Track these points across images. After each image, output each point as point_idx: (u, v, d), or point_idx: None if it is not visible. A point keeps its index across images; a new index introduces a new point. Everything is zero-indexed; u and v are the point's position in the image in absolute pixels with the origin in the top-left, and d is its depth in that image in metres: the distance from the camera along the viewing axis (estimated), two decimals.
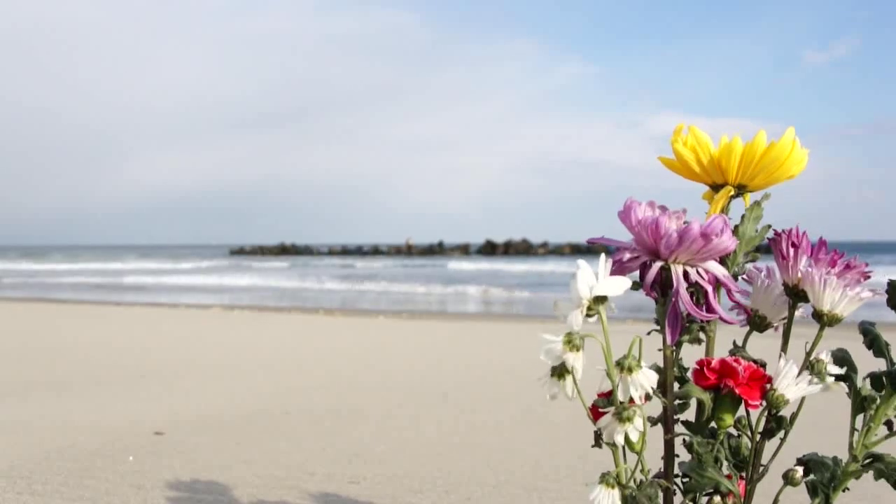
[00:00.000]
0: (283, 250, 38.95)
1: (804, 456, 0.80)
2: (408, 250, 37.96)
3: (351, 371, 3.32)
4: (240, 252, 39.49)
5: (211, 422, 2.20)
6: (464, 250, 36.99)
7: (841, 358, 0.78)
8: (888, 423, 0.76)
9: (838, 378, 0.77)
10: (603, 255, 0.69)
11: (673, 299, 0.70)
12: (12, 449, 1.84)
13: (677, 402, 0.76)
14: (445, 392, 2.73)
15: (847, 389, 0.78)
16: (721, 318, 0.72)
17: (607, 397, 0.73)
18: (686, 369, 0.78)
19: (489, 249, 36.21)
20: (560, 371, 0.71)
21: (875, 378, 0.74)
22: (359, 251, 39.12)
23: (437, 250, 37.47)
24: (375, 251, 38.68)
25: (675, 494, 0.77)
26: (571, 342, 0.69)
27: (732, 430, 0.78)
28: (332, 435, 2.07)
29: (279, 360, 3.67)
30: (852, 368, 0.78)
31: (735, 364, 0.73)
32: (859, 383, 0.77)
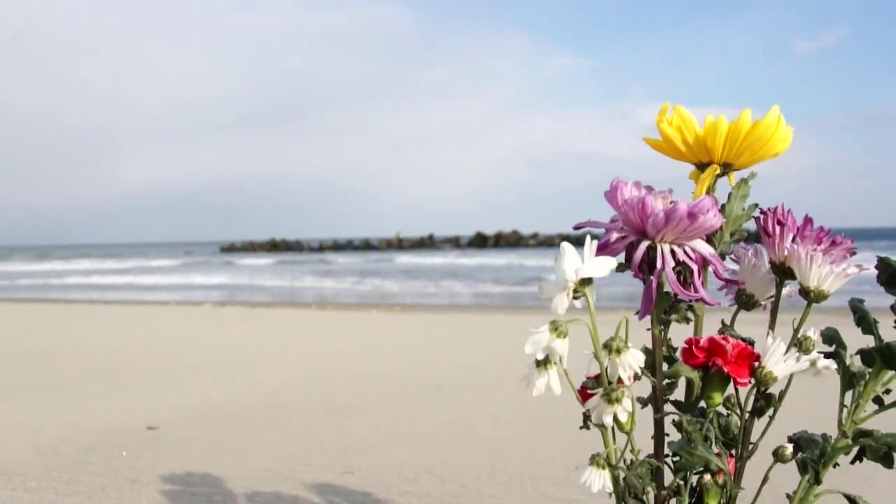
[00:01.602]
0: (274, 246, 38.79)
1: (795, 434, 0.80)
2: (398, 244, 37.89)
3: (344, 364, 3.32)
4: (230, 249, 39.31)
5: (205, 416, 2.20)
6: (454, 243, 36.94)
7: (830, 336, 0.79)
8: (878, 400, 0.76)
9: (827, 355, 0.78)
10: (588, 237, 0.69)
11: (652, 277, 0.70)
12: (6, 446, 1.84)
13: (666, 381, 0.76)
14: (440, 383, 2.74)
15: (836, 368, 0.79)
16: (703, 299, 0.72)
17: (597, 380, 0.73)
18: (675, 349, 0.79)
19: (479, 241, 36.16)
20: (545, 362, 0.70)
21: (865, 354, 0.75)
22: (349, 245, 38.99)
23: (427, 243, 37.42)
24: (366, 245, 38.56)
25: (665, 474, 0.77)
26: (558, 329, 0.68)
27: (722, 409, 0.79)
28: (327, 427, 2.08)
29: (272, 355, 3.67)
30: (841, 346, 0.78)
31: (723, 342, 0.74)
32: (848, 360, 0.78)
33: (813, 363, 0.78)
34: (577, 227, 0.74)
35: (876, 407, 0.77)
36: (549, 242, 34.39)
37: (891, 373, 0.76)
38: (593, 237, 0.70)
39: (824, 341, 0.79)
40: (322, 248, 38.17)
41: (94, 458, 1.74)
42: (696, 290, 0.72)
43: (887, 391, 0.76)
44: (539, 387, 0.70)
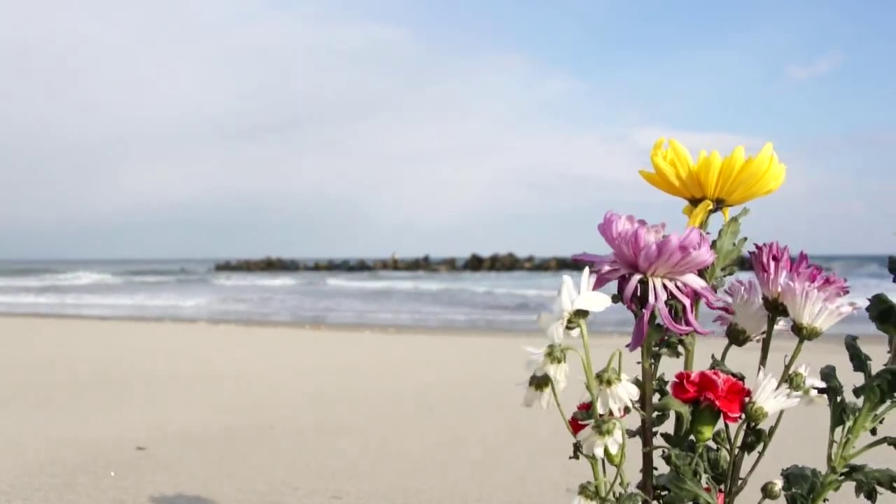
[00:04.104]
0: (269, 265, 38.74)
1: (787, 469, 0.80)
2: (393, 265, 37.88)
3: (336, 385, 3.31)
4: (225, 267, 39.22)
5: (194, 436, 2.19)
6: (450, 265, 36.90)
7: (827, 374, 0.79)
8: (872, 431, 0.76)
9: (821, 391, 0.78)
10: (587, 270, 0.70)
11: (644, 311, 0.71)
12: None
13: (655, 414, 0.76)
14: (430, 406, 2.73)
15: (828, 403, 0.79)
16: (696, 331, 0.73)
17: (587, 409, 0.73)
18: (665, 382, 0.79)
19: (475, 264, 36.13)
20: (540, 383, 0.71)
21: (866, 388, 0.75)
22: (345, 265, 39.00)
23: (422, 265, 37.39)
24: (362, 265, 38.56)
25: None
26: (552, 354, 0.70)
27: (711, 444, 0.79)
28: (316, 449, 2.07)
29: (264, 375, 3.66)
30: (835, 382, 0.78)
31: (714, 377, 0.74)
32: (839, 398, 0.78)
33: (806, 391, 0.78)
34: (575, 260, 0.75)
35: (865, 443, 0.77)
36: (544, 266, 34.37)
37: (882, 407, 0.76)
38: (592, 270, 0.71)
39: (823, 379, 0.79)
40: (318, 267, 38.15)
41: (81, 478, 1.73)
42: (687, 324, 0.72)
43: (881, 421, 0.77)
44: (529, 400, 0.71)
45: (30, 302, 12.83)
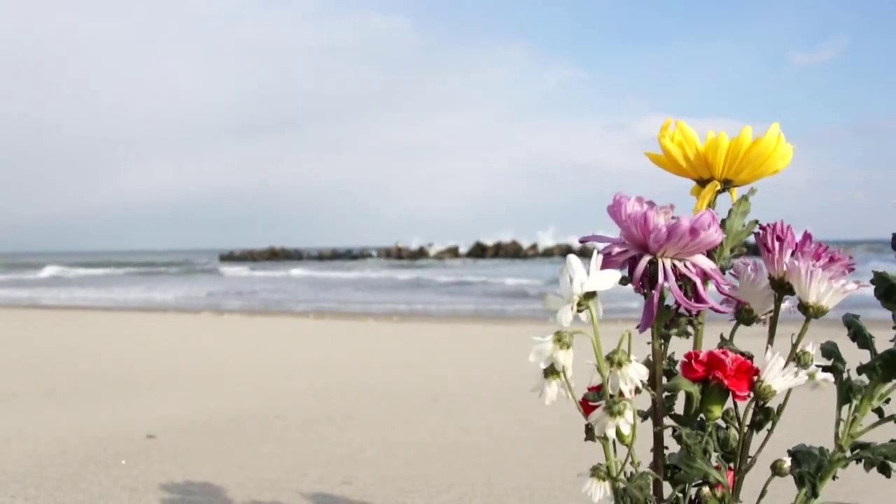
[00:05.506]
0: (273, 254, 38.71)
1: (794, 448, 0.81)
2: (397, 253, 37.87)
3: (341, 375, 3.32)
4: (229, 257, 39.18)
5: (202, 426, 2.20)
6: (453, 253, 36.87)
7: (829, 351, 0.79)
8: (878, 411, 0.77)
9: (826, 369, 0.78)
10: (595, 251, 0.70)
11: (653, 292, 0.71)
12: (3, 455, 1.84)
13: (666, 394, 0.77)
14: (436, 395, 2.74)
15: (834, 382, 0.79)
16: (711, 308, 0.73)
17: (598, 391, 0.74)
18: (675, 362, 0.79)
19: (479, 252, 36.11)
20: (551, 371, 0.71)
21: (867, 367, 0.75)
22: (348, 254, 39.03)
23: (426, 253, 37.37)
24: (364, 254, 38.57)
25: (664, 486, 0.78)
26: (561, 340, 0.69)
27: (720, 422, 0.79)
28: (324, 438, 2.08)
29: (269, 365, 3.67)
30: (839, 360, 0.79)
31: (723, 356, 0.74)
32: (845, 375, 0.78)
33: (811, 376, 0.79)
34: (582, 241, 0.75)
35: (873, 420, 0.77)
36: (548, 253, 34.40)
37: (888, 385, 0.76)
38: (600, 252, 0.71)
39: (823, 355, 0.79)
40: (321, 257, 38.17)
41: (92, 466, 1.74)
42: (701, 300, 0.72)
43: (887, 400, 0.77)
44: (549, 395, 0.71)
45: (31, 295, 12.85)
